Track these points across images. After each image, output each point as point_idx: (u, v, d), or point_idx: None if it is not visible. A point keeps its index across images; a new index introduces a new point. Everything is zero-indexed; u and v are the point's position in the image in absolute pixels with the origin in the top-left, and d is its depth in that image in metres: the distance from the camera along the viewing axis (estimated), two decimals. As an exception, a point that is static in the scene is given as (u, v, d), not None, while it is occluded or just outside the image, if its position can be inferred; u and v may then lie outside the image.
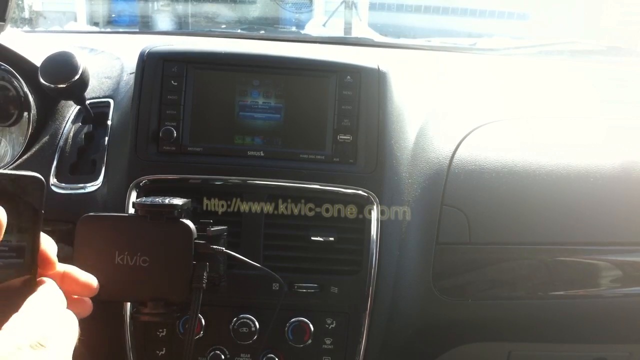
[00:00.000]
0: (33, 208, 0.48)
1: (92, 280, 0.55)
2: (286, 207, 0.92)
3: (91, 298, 0.56)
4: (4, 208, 0.44)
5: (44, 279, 0.50)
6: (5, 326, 0.43)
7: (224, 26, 2.35)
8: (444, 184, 0.95)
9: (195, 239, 0.72)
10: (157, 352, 0.91)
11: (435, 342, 1.03)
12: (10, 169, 0.97)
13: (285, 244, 0.91)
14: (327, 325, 0.91)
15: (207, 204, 0.89)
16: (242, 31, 1.89)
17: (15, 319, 0.44)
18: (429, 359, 1.05)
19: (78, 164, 0.99)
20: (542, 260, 0.96)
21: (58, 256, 0.52)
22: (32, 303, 0.46)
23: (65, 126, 1.03)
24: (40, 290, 0.48)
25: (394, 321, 0.93)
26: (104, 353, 0.94)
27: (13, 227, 0.47)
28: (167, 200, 0.72)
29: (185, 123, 0.92)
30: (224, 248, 0.74)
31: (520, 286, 0.97)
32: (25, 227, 0.48)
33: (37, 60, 0.99)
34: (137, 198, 0.90)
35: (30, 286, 0.48)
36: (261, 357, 0.91)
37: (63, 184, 0.96)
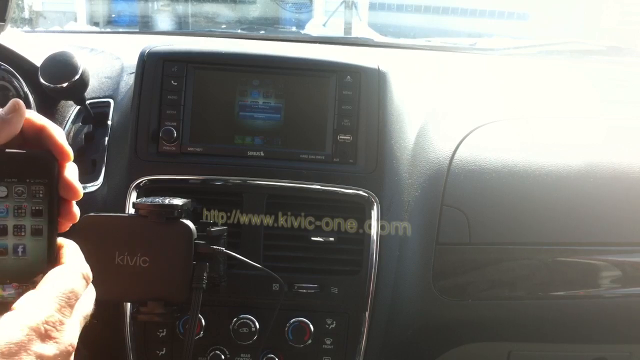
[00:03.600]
0: (48, 187, 0.48)
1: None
2: (286, 208, 0.92)
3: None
4: (19, 190, 0.44)
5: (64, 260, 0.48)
6: (16, 305, 0.41)
7: (224, 26, 2.35)
8: (444, 184, 0.95)
9: (195, 239, 0.72)
10: (157, 352, 0.91)
11: (435, 342, 1.03)
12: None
13: (285, 244, 0.91)
14: (327, 326, 0.91)
15: (207, 204, 0.89)
16: (242, 31, 1.89)
17: (25, 298, 0.42)
18: (429, 359, 1.05)
19: (78, 164, 0.99)
20: (542, 260, 0.96)
21: None
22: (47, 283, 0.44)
23: (65, 126, 1.03)
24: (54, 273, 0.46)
25: (394, 321, 0.93)
26: (104, 353, 0.94)
27: (27, 210, 0.46)
28: (167, 201, 0.73)
29: (185, 123, 0.92)
30: (224, 248, 0.74)
31: (520, 286, 0.97)
32: (40, 209, 0.47)
33: (37, 60, 0.99)
34: (137, 198, 0.90)
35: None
36: (261, 357, 0.91)
37: (63, 184, 0.96)
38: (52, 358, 0.40)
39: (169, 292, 0.70)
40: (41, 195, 0.47)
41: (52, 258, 0.47)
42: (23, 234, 0.46)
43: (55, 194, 0.48)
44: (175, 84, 0.92)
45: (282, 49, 1.27)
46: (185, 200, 0.74)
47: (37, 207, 0.47)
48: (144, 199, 0.75)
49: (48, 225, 0.47)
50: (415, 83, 1.11)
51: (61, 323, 0.42)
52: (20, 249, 0.46)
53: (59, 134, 0.48)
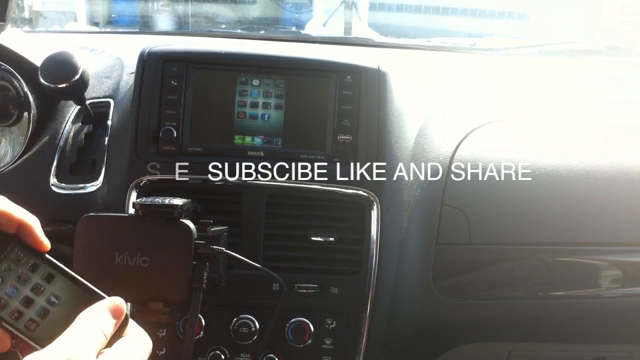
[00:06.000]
0: (18, 243, 0.48)
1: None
2: (286, 208, 0.92)
3: None
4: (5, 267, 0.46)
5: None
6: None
7: (224, 26, 2.35)
8: (444, 184, 0.95)
9: (196, 239, 0.72)
10: (157, 352, 0.91)
11: (435, 342, 1.03)
12: (10, 169, 0.97)
13: (285, 244, 0.91)
14: (327, 326, 0.91)
15: (207, 204, 0.89)
16: (242, 31, 1.89)
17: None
18: (428, 359, 1.05)
19: (78, 164, 0.99)
20: (542, 260, 0.96)
21: (57, 256, 0.51)
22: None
23: (65, 126, 1.03)
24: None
25: (394, 321, 0.93)
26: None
27: (26, 273, 0.47)
28: (167, 201, 0.73)
29: (185, 123, 0.92)
30: (224, 248, 0.74)
31: (520, 286, 0.97)
32: (34, 263, 0.48)
33: (37, 60, 0.98)
34: (137, 198, 0.90)
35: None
36: (261, 357, 0.91)
37: (63, 184, 0.96)
38: None
39: (169, 292, 0.70)
40: (21, 255, 0.48)
41: (78, 281, 0.49)
42: (43, 288, 0.48)
43: (27, 244, 0.49)
44: (175, 84, 0.92)
45: (282, 49, 1.27)
46: (185, 200, 0.74)
47: (30, 264, 0.48)
48: (144, 199, 0.75)
49: (50, 266, 0.49)
50: (415, 83, 1.11)
51: None
52: (52, 299, 0.48)
53: (36, 227, 0.49)
